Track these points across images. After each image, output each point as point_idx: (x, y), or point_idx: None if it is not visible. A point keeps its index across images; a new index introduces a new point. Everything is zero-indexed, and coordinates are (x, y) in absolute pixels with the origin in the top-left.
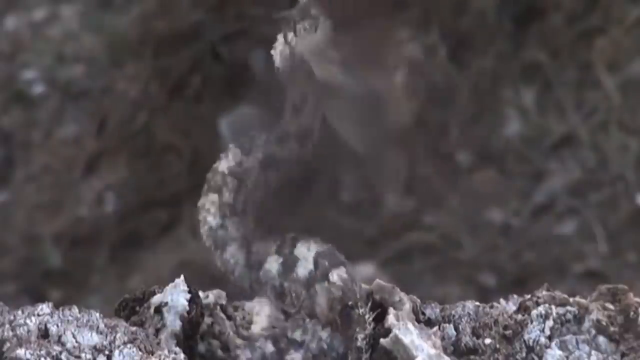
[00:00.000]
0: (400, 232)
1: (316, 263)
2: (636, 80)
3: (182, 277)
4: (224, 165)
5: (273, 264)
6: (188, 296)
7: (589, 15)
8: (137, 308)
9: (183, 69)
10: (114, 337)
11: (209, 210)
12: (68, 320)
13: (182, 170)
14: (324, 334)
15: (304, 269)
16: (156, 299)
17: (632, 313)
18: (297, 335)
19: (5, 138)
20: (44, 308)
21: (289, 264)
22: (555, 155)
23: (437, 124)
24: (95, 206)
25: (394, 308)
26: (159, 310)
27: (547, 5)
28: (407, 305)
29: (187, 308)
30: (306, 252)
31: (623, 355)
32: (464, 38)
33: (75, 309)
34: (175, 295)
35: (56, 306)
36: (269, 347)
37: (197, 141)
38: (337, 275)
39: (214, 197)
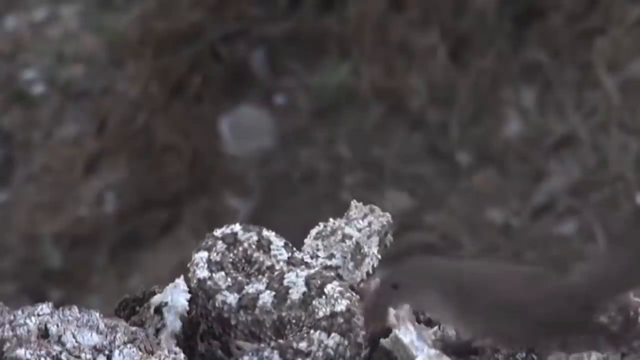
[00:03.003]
0: (401, 232)
1: (308, 284)
2: (636, 80)
3: (182, 277)
4: (219, 231)
5: (267, 299)
6: (188, 296)
7: (589, 15)
8: (137, 308)
9: (183, 69)
10: (114, 337)
11: (198, 265)
12: (68, 320)
13: (182, 170)
14: (331, 342)
15: (297, 293)
16: (156, 299)
17: (632, 313)
18: (303, 346)
19: (5, 138)
20: (44, 308)
21: (282, 294)
22: (555, 155)
23: (437, 124)
24: (95, 206)
25: (394, 308)
26: (159, 310)
27: (547, 5)
28: (407, 306)
29: (187, 308)
30: (295, 279)
31: (623, 355)
32: (464, 38)
33: (75, 309)
34: (175, 295)
35: (56, 306)
36: (276, 357)
37: (197, 141)
38: (331, 288)
39: (203, 254)
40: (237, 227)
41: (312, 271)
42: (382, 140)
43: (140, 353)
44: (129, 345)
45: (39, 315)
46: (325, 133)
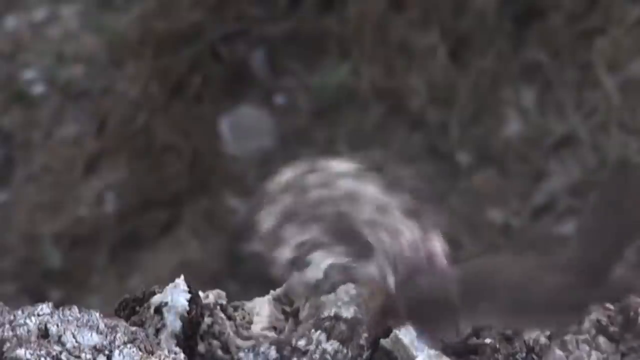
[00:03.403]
0: None
1: (326, 274)
2: (636, 80)
3: (182, 277)
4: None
5: (285, 254)
6: (188, 296)
7: (589, 15)
8: (137, 308)
9: (183, 69)
10: (114, 337)
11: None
12: (68, 320)
13: (182, 170)
14: (329, 347)
15: (312, 274)
16: (156, 299)
17: (632, 313)
18: (302, 344)
19: (5, 138)
20: (44, 308)
21: (298, 263)
22: (555, 155)
23: (437, 124)
24: (95, 206)
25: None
26: (159, 310)
27: (547, 5)
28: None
29: (187, 308)
30: (320, 260)
31: (623, 355)
32: (464, 38)
33: (75, 309)
34: (175, 295)
35: (56, 306)
36: (272, 354)
37: (197, 141)
38: (344, 290)
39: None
40: None
41: (339, 262)
42: (382, 140)
43: (140, 353)
44: (129, 345)
45: (39, 315)
46: (325, 133)
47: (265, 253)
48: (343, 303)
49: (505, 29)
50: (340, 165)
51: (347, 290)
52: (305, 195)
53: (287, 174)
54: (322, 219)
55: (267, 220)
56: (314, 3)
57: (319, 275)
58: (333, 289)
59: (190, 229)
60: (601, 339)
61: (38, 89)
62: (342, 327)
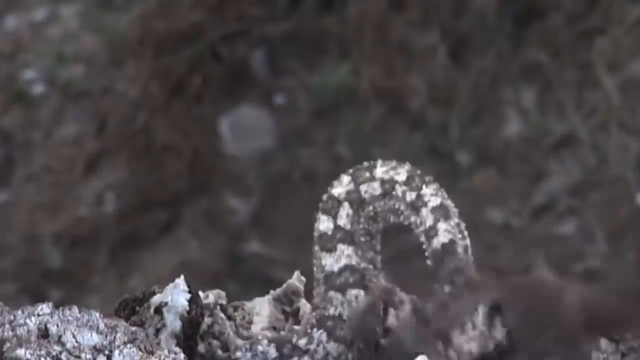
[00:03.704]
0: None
1: (340, 273)
2: (636, 80)
3: (182, 277)
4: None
5: (324, 223)
6: (188, 296)
7: (589, 15)
8: (137, 308)
9: (183, 69)
10: (114, 337)
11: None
12: (68, 320)
13: (182, 170)
14: (333, 347)
15: (327, 263)
16: (156, 299)
17: None
18: (303, 343)
19: (5, 138)
20: (44, 308)
21: (324, 242)
22: (555, 155)
23: (438, 124)
24: (95, 206)
25: (394, 308)
26: (159, 310)
27: (547, 5)
28: (407, 305)
29: (187, 308)
30: (344, 255)
31: (623, 355)
32: (464, 38)
33: (75, 309)
34: (175, 295)
35: (56, 306)
36: (272, 352)
37: (197, 141)
38: (353, 294)
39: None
40: None
41: (360, 266)
42: (382, 140)
43: (140, 353)
44: (129, 345)
45: (39, 315)
46: (325, 133)
47: (319, 212)
48: (349, 306)
49: (505, 29)
50: (434, 199)
51: (357, 295)
52: (385, 199)
53: (384, 171)
54: (380, 229)
55: (339, 187)
56: (314, 3)
57: (334, 268)
58: (342, 289)
59: (190, 229)
60: (601, 339)
61: (38, 89)
62: (345, 330)
